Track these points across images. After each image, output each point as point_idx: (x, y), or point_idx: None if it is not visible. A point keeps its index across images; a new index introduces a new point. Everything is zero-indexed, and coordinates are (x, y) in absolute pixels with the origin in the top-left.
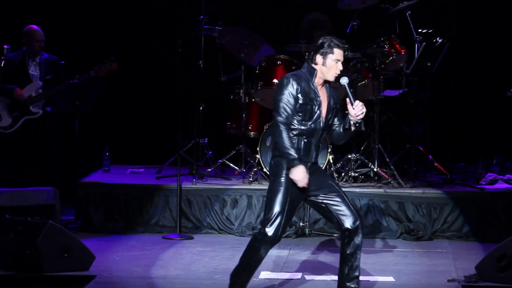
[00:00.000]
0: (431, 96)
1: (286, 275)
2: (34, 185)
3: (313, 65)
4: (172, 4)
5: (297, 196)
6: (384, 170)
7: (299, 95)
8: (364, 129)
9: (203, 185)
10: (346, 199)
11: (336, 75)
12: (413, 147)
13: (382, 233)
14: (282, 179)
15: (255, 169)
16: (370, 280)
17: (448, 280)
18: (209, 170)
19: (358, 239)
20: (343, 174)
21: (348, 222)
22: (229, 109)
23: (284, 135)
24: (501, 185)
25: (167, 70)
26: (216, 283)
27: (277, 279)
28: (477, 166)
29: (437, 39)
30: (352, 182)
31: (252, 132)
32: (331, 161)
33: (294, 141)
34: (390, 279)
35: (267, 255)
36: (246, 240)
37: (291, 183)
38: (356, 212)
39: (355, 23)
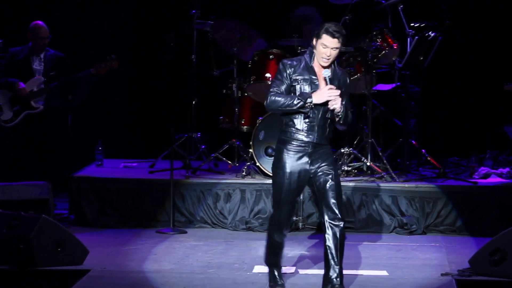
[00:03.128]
0: (424, 90)
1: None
2: (32, 179)
3: (313, 48)
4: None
5: (299, 179)
6: (377, 164)
7: (293, 77)
8: (340, 116)
9: (196, 179)
10: (334, 192)
11: (325, 60)
12: (406, 141)
13: (375, 227)
14: (282, 165)
15: (248, 163)
16: (364, 274)
17: (442, 274)
18: (202, 164)
19: (336, 234)
20: None
21: (327, 216)
22: (222, 103)
23: (279, 97)
24: (494, 179)
25: (159, 64)
26: (210, 277)
27: None
28: (470, 160)
29: (430, 33)
30: (345, 176)
31: (245, 126)
32: None
33: (296, 120)
34: (384, 273)
35: (260, 250)
36: (240, 234)
37: (292, 167)
38: (339, 209)
39: (347, 17)
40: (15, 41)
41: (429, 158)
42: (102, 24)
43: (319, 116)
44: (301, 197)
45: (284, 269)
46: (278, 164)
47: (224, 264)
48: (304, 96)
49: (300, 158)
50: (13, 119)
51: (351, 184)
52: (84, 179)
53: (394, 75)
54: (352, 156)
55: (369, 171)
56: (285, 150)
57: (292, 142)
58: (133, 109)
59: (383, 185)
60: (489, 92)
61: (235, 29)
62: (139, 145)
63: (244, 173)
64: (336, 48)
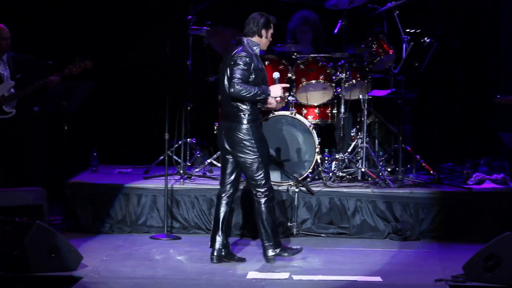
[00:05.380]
0: (419, 96)
1: (273, 275)
2: (5, 186)
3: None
4: (160, 4)
5: (267, 151)
6: (372, 170)
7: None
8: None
9: (191, 185)
10: None
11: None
12: (400, 147)
13: (370, 233)
14: (263, 139)
15: None
16: (358, 280)
17: (436, 280)
18: (197, 170)
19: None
20: (330, 174)
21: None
22: (217, 109)
23: (247, 86)
24: (488, 185)
25: (155, 70)
26: (204, 283)
27: (265, 279)
28: (465, 166)
29: (425, 39)
30: (339, 182)
31: None
32: (319, 161)
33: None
34: (378, 279)
35: (253, 257)
36: (233, 240)
37: (263, 143)
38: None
39: (343, 23)
40: None
41: (423, 164)
42: (99, 29)
43: None
44: (296, 203)
45: (278, 275)
46: (262, 139)
47: (218, 270)
48: (266, 91)
49: None
50: None
51: (345, 190)
52: (79, 185)
53: (389, 81)
54: (346, 161)
55: (363, 177)
56: (258, 126)
57: (258, 119)
58: (128, 115)
59: (378, 191)
60: (484, 98)
61: (230, 35)
62: (134, 151)
63: None
64: None
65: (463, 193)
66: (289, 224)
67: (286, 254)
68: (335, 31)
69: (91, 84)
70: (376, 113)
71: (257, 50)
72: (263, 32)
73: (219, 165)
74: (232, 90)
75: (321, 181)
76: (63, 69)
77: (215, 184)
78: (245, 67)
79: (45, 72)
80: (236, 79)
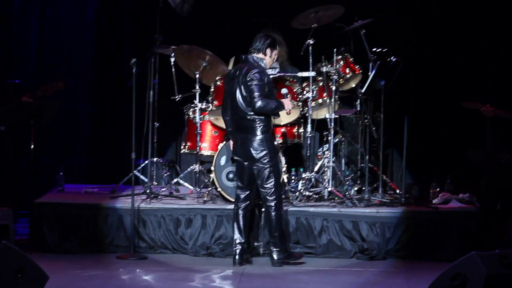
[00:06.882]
0: (386, 116)
1: None
2: None
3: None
4: (128, 22)
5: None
6: (338, 190)
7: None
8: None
9: (158, 204)
10: None
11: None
12: (367, 166)
13: (336, 252)
14: (276, 149)
15: (210, 188)
16: None
17: None
18: (164, 189)
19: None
20: (297, 193)
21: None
22: (183, 128)
23: (268, 101)
24: (454, 204)
25: (122, 88)
26: None
27: None
28: (431, 185)
29: (391, 58)
30: (306, 202)
31: (207, 152)
32: (286, 180)
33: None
34: None
35: (222, 276)
36: (201, 260)
37: (275, 153)
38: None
39: (309, 42)
40: None
41: (390, 183)
42: (65, 48)
43: None
44: (262, 222)
45: None
46: (275, 149)
47: None
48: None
49: None
50: None
51: (312, 209)
52: (45, 204)
53: (356, 100)
54: (313, 181)
55: (330, 197)
56: (271, 136)
57: (270, 130)
58: (94, 134)
59: (344, 210)
60: (451, 118)
61: (197, 54)
62: (101, 170)
63: (205, 198)
64: None
65: (429, 213)
66: (255, 243)
67: (292, 260)
68: (302, 50)
69: (58, 104)
70: (342, 132)
71: (263, 64)
72: (268, 51)
73: (186, 184)
74: (257, 106)
75: (288, 200)
76: (35, 90)
77: (182, 204)
78: (261, 83)
79: (13, 91)
80: (257, 96)
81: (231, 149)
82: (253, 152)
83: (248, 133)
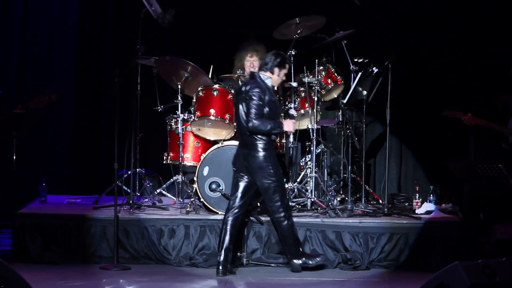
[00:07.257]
0: (368, 126)
1: None
2: None
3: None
4: (110, 33)
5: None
6: (321, 200)
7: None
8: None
9: (141, 215)
10: None
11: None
12: (349, 176)
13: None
14: (278, 163)
15: (192, 199)
16: None
17: None
18: (147, 200)
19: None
20: None
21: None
22: (166, 139)
23: (264, 121)
24: (437, 215)
25: (104, 99)
26: None
27: None
28: (414, 196)
29: (373, 68)
30: None
31: (189, 162)
32: None
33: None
34: None
35: (205, 286)
36: (184, 270)
37: (278, 168)
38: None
39: (291, 52)
40: None
41: (373, 194)
42: (47, 58)
43: None
44: (245, 233)
45: None
46: (277, 165)
47: None
48: (280, 125)
49: None
50: None
51: (295, 219)
52: (28, 215)
53: (338, 110)
54: (296, 191)
55: (313, 207)
56: (273, 153)
57: (273, 147)
58: (76, 145)
59: (327, 220)
60: (433, 128)
61: (179, 65)
62: (83, 181)
63: (188, 209)
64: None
65: (412, 223)
66: (239, 254)
67: (311, 262)
68: None
69: (40, 114)
70: (325, 143)
71: (268, 83)
72: (276, 69)
73: (169, 195)
74: (250, 124)
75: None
76: (27, 102)
77: (165, 214)
78: (260, 102)
79: None
80: (252, 114)
81: (232, 161)
82: (256, 169)
83: (250, 149)
